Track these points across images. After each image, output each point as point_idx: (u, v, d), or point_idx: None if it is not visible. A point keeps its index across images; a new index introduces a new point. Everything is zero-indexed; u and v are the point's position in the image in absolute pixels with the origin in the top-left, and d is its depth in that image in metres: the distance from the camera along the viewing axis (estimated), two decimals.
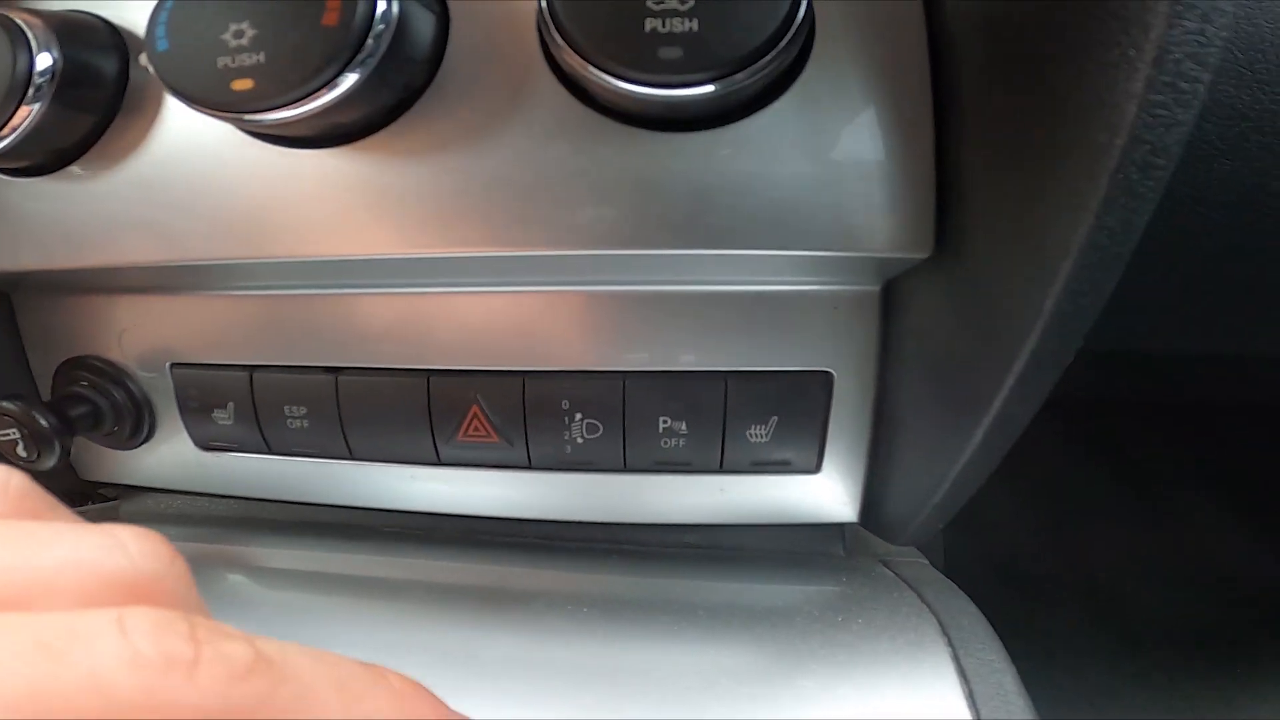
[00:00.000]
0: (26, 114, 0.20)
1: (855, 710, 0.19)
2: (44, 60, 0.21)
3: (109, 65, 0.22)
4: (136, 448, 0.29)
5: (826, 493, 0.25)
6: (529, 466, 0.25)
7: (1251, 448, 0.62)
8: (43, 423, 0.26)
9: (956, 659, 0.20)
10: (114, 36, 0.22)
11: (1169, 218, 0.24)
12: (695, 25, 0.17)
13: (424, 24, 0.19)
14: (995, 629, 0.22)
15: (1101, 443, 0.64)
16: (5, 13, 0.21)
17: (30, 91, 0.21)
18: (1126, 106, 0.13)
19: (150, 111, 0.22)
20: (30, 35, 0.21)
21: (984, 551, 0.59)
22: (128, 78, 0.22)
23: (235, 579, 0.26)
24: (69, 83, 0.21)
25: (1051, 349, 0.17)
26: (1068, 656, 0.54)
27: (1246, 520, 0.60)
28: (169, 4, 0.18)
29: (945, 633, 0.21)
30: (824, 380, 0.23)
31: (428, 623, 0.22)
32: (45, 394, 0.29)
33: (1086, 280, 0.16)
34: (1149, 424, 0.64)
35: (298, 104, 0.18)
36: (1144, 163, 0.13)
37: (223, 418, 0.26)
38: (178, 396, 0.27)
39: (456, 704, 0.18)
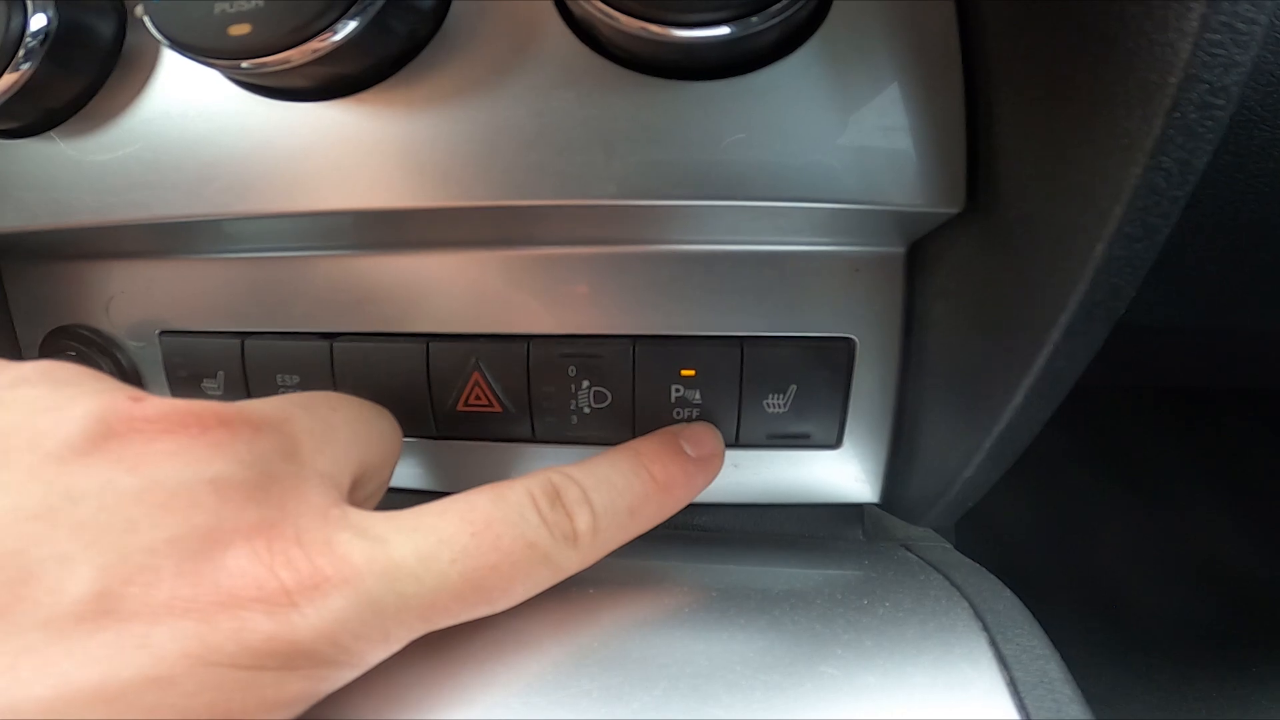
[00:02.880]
0: (16, 75, 0.20)
1: (884, 699, 0.17)
2: (38, 21, 0.20)
3: (105, 25, 0.21)
4: None
5: (846, 471, 0.24)
6: (533, 439, 0.24)
7: (1256, 442, 0.61)
8: None
9: (994, 644, 0.19)
10: None
11: (1212, 184, 0.23)
12: None
13: None
14: None
15: (1103, 440, 0.63)
16: None
17: (21, 52, 0.20)
18: (1180, 45, 0.12)
19: (145, 70, 0.21)
20: None
21: (984, 551, 0.58)
22: (124, 37, 0.21)
23: None
24: (62, 42, 0.20)
25: (1103, 298, 0.15)
26: (1070, 655, 0.52)
27: (1250, 517, 0.59)
28: None
29: (980, 617, 0.20)
30: (846, 347, 0.22)
31: None
32: None
33: (1140, 224, 0.14)
34: (1153, 418, 0.63)
35: (296, 49, 0.17)
36: (1202, 102, 0.13)
37: (212, 388, 0.25)
38: (166, 366, 0.26)
39: (449, 691, 0.17)
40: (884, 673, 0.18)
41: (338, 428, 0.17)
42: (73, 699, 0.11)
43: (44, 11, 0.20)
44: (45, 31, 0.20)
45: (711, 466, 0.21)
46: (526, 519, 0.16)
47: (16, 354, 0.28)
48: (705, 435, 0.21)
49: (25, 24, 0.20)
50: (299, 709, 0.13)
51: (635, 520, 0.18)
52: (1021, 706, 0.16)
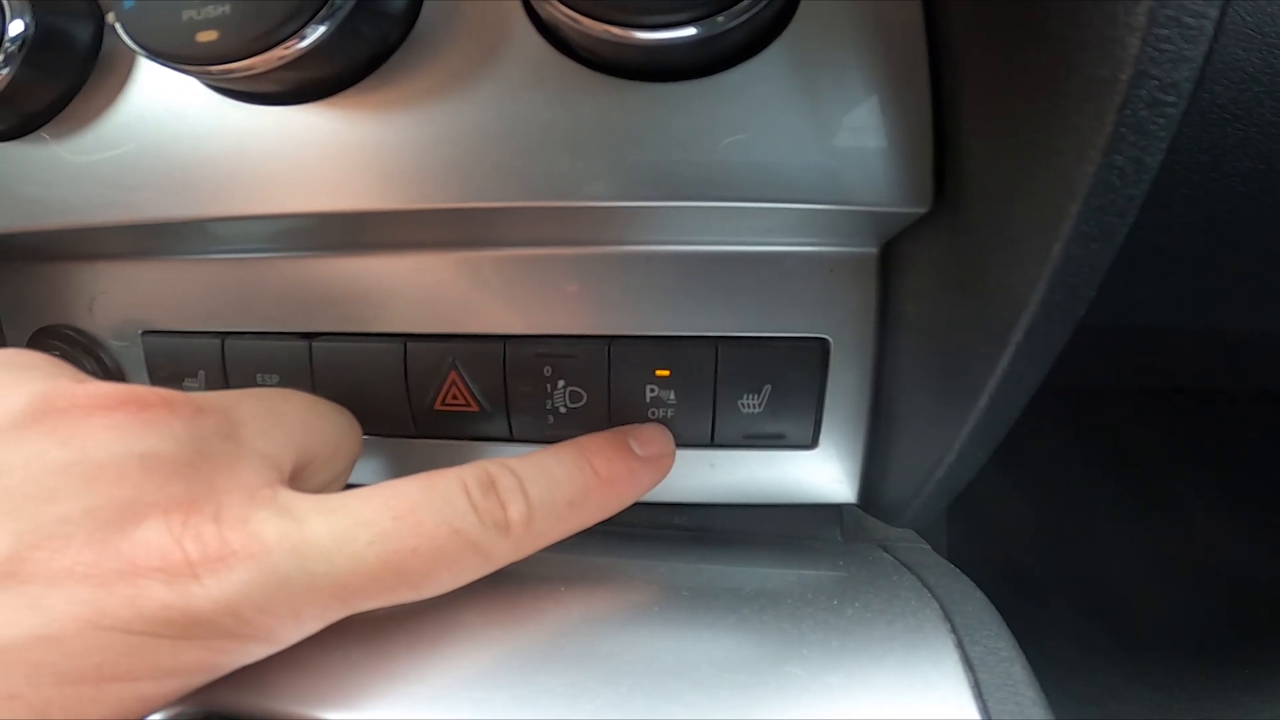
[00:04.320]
0: None
1: (848, 700, 0.17)
2: (16, 27, 0.21)
3: (82, 30, 0.21)
4: None
5: (823, 471, 0.24)
6: (510, 438, 0.24)
7: (1253, 440, 0.61)
8: None
9: (961, 646, 0.19)
10: (90, 2, 0.22)
11: (1184, 183, 0.23)
12: None
13: None
14: None
15: (1103, 440, 0.63)
16: None
17: (0, 57, 0.20)
18: (1129, 41, 0.12)
19: (122, 74, 0.21)
20: (5, 3, 0.20)
21: (983, 551, 0.58)
22: (101, 42, 0.22)
23: None
24: (40, 47, 0.21)
25: (1062, 298, 0.15)
26: (1069, 655, 0.53)
27: (1249, 517, 0.58)
28: None
29: (949, 619, 0.20)
30: (820, 347, 0.22)
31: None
32: None
33: (1096, 224, 0.14)
34: (1151, 418, 0.63)
35: (262, 55, 0.17)
36: (1153, 99, 0.13)
37: (193, 387, 0.25)
38: (148, 365, 0.26)
39: (419, 684, 0.17)
40: (849, 673, 0.18)
41: (285, 414, 0.17)
42: None
43: (21, 17, 0.20)
44: (23, 37, 0.20)
45: (660, 466, 0.21)
46: (454, 505, 0.16)
47: None
48: (655, 435, 0.21)
49: (3, 29, 0.20)
50: (199, 679, 0.14)
51: (575, 513, 0.18)
52: (984, 708, 0.16)
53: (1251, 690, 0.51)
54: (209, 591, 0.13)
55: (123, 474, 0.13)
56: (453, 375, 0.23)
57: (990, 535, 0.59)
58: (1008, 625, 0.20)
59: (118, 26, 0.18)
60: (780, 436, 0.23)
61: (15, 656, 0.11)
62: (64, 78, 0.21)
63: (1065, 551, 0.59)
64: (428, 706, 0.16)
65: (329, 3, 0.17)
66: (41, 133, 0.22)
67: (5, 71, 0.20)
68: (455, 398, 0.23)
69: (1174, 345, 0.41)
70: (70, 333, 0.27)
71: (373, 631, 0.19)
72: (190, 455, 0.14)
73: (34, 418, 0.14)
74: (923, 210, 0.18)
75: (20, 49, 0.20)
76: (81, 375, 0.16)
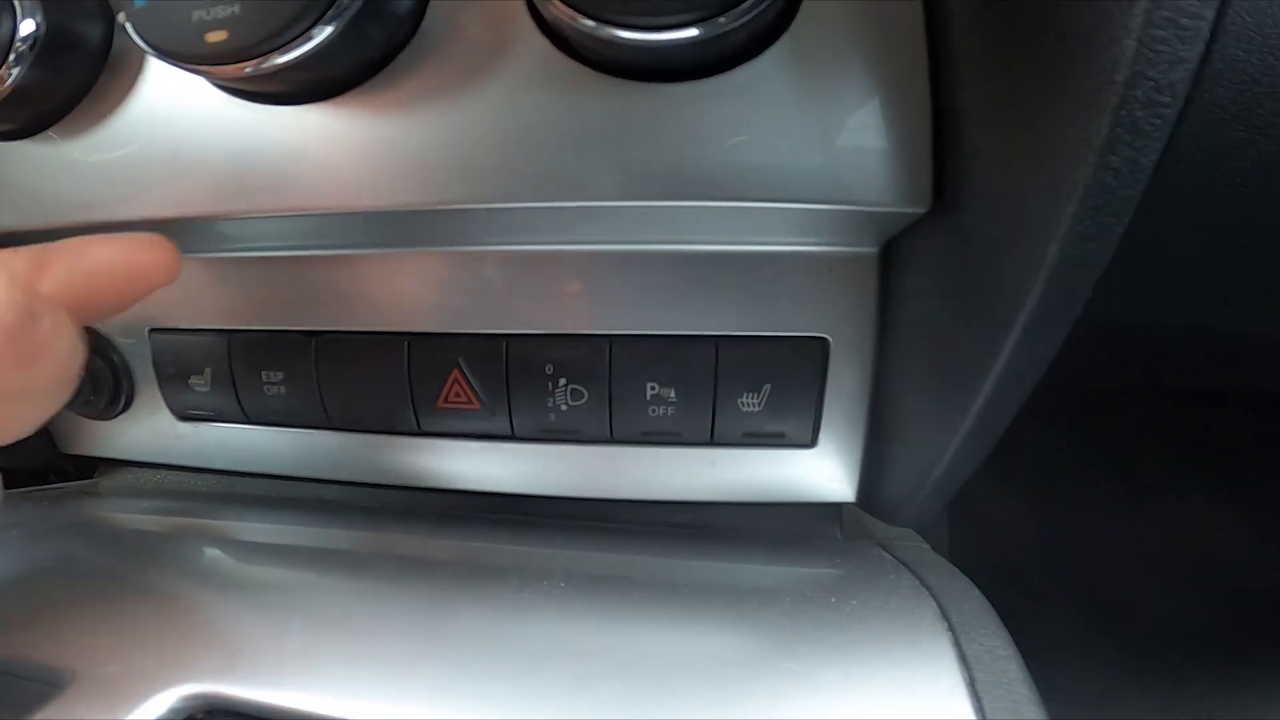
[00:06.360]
0: (6, 80, 0.21)
1: (845, 696, 0.17)
2: (26, 26, 0.21)
3: (92, 29, 0.22)
4: (114, 418, 0.28)
5: (823, 470, 0.24)
6: (511, 436, 0.24)
7: (1251, 441, 0.61)
8: None
9: (957, 644, 0.19)
10: (100, 2, 0.22)
11: (1186, 184, 0.23)
12: None
13: None
14: None
15: (1103, 440, 0.63)
16: None
17: (11, 57, 0.21)
18: (1125, 42, 0.12)
19: (132, 74, 0.22)
20: (16, 3, 0.21)
21: (984, 551, 0.58)
22: (111, 41, 0.22)
23: (212, 553, 0.25)
24: (51, 47, 0.21)
25: (1059, 297, 0.15)
26: (1068, 656, 0.53)
27: (1247, 517, 0.58)
28: None
29: (945, 617, 0.20)
30: (820, 346, 0.22)
31: (398, 598, 0.21)
32: None
33: (1092, 224, 0.14)
34: (1153, 418, 0.63)
35: (271, 55, 0.17)
36: (1148, 100, 0.13)
37: (200, 384, 0.26)
38: (155, 363, 0.26)
39: (422, 678, 0.17)
40: (846, 669, 0.18)
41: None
42: None
43: (32, 16, 0.20)
44: (34, 37, 0.21)
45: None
46: None
47: None
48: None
49: (15, 29, 0.21)
50: None
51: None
52: (979, 706, 0.16)
53: (1254, 691, 0.51)
54: None
55: None
56: (455, 373, 0.23)
57: (990, 536, 0.59)
58: (1006, 625, 0.20)
59: (128, 26, 0.18)
60: (780, 435, 0.23)
61: None
62: (75, 77, 0.21)
63: (1065, 552, 0.59)
64: (432, 702, 0.16)
65: (336, 3, 0.17)
66: (54, 130, 0.22)
67: (16, 71, 0.21)
68: (458, 395, 0.23)
69: (1173, 344, 0.41)
70: None
71: (376, 625, 0.19)
72: None
73: None
74: (922, 210, 0.19)
75: (31, 49, 0.21)
76: None
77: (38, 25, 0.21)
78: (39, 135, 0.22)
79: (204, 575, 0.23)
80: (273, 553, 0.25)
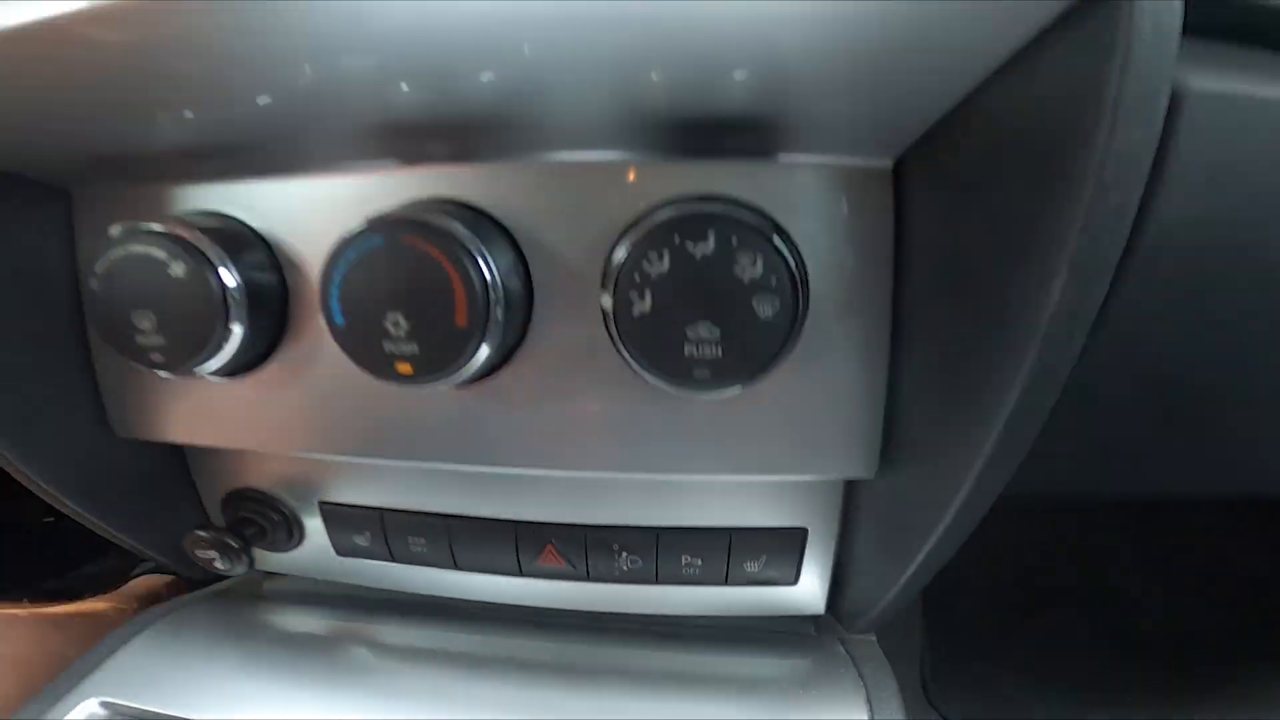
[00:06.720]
0: (233, 331, 0.26)
1: None
2: (228, 278, 0.26)
3: (271, 278, 0.28)
4: (287, 552, 0.39)
5: (801, 595, 0.35)
6: (587, 579, 0.35)
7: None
8: (233, 544, 0.35)
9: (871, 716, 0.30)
10: (265, 248, 0.28)
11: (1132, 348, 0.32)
12: (720, 352, 0.24)
13: (516, 299, 0.26)
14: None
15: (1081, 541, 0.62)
16: (159, 227, 0.26)
17: (231, 309, 0.26)
18: (1038, 321, 0.22)
19: (312, 330, 0.29)
20: (207, 253, 0.26)
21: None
22: (287, 289, 0.29)
23: (357, 651, 0.36)
24: (253, 297, 0.27)
25: (956, 523, 0.25)
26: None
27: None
28: (337, 280, 0.25)
29: (869, 702, 0.31)
30: (801, 533, 0.32)
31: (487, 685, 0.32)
32: (215, 517, 0.38)
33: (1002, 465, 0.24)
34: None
35: (447, 380, 0.26)
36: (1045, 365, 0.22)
37: (360, 540, 0.36)
38: (325, 522, 0.36)
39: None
40: None
41: None
42: None
43: (225, 266, 0.26)
44: (242, 288, 0.26)
45: None
46: None
47: (199, 507, 0.38)
48: None
49: (222, 283, 0.26)
50: None
51: None
52: None
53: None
54: None
55: None
56: (549, 547, 0.33)
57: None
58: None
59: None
60: (772, 580, 0.34)
61: None
62: (273, 327, 0.29)
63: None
64: None
65: (488, 331, 0.25)
66: (259, 373, 0.30)
67: (237, 326, 0.27)
68: (550, 559, 0.34)
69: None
70: (257, 494, 0.37)
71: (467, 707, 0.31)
72: None
73: None
74: (868, 477, 0.28)
75: (242, 298, 0.26)
76: None
77: (236, 277, 0.26)
78: (245, 374, 0.30)
79: (344, 667, 0.34)
80: (403, 652, 0.36)
